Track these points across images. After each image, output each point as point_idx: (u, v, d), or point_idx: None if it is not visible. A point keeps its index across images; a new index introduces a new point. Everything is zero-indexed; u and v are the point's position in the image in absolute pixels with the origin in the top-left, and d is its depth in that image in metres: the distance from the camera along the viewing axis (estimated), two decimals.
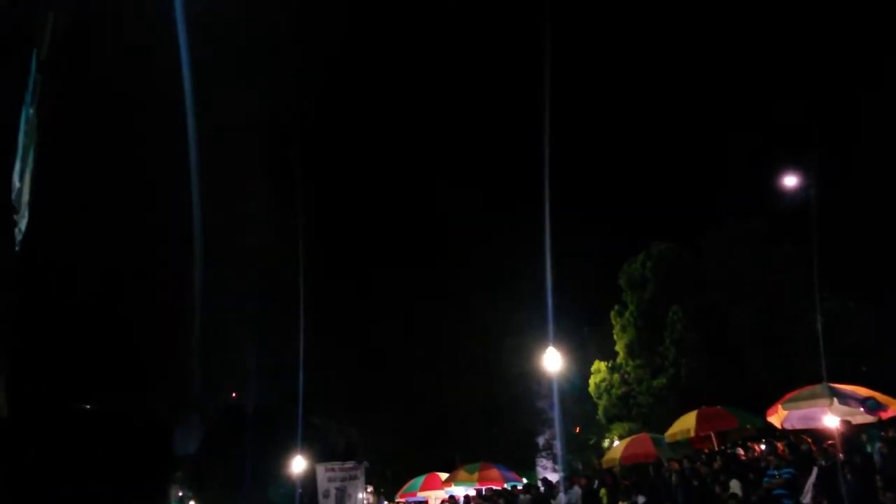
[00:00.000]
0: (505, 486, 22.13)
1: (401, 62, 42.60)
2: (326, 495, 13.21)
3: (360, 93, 41.53)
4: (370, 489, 35.27)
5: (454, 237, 38.32)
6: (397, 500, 27.13)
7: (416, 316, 37.33)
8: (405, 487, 26.95)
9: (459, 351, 35.99)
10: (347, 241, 40.94)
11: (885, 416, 13.93)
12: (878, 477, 11.33)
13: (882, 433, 13.25)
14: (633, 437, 20.51)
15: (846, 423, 13.62)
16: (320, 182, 39.27)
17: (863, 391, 14.39)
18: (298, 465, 29.33)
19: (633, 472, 17.65)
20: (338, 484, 13.43)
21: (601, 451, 26.28)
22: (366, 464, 14.27)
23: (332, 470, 13.83)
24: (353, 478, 13.67)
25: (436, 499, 24.76)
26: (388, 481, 34.55)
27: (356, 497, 13.65)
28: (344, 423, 40.09)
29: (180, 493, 61.57)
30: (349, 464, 14.25)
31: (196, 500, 52.86)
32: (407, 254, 39.45)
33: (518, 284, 31.79)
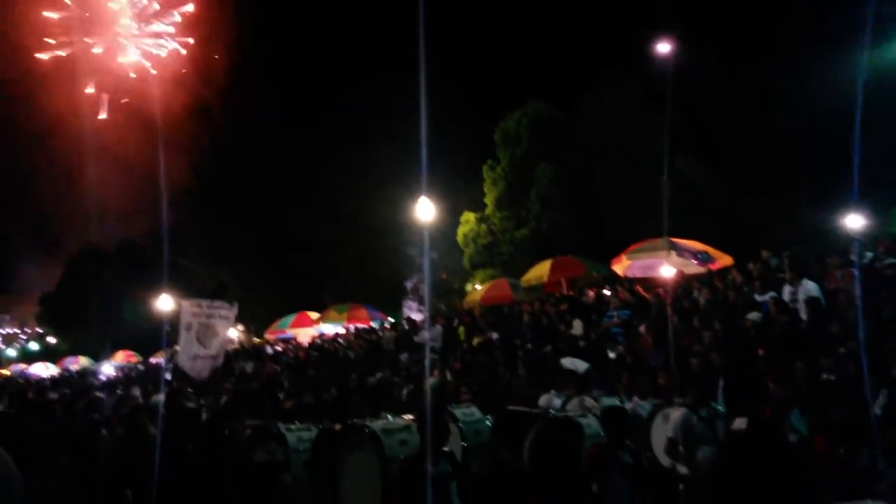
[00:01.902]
0: (372, 324, 23.23)
1: None
2: (188, 328, 13.06)
3: None
4: (241, 328, 35.79)
5: (334, 87, 37.07)
6: (266, 337, 27.85)
7: (293, 163, 36.64)
8: (275, 325, 27.62)
9: (334, 199, 35.99)
10: (230, 86, 38.80)
11: (713, 267, 15.58)
12: (697, 319, 12.84)
13: (708, 282, 14.96)
14: (493, 281, 21.88)
15: (680, 273, 15.20)
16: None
17: (698, 245, 15.91)
18: (165, 303, 29.14)
19: (491, 313, 18.98)
20: (202, 320, 13.24)
21: (464, 295, 27.86)
22: (236, 305, 14.19)
23: (199, 306, 13.55)
24: (222, 317, 13.48)
25: (305, 336, 25.63)
26: (257, 320, 35.19)
27: (223, 335, 13.57)
28: (214, 265, 39.84)
29: (39, 330, 59.95)
30: (218, 303, 13.97)
31: (56, 336, 51.72)
32: (285, 101, 37.98)
33: (395, 136, 31.72)
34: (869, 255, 12.72)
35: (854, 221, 13.71)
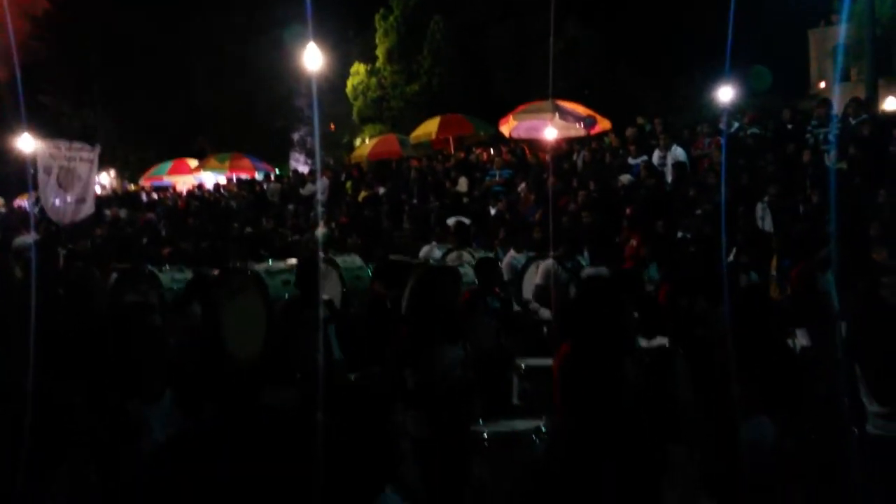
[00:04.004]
0: (256, 175, 22.64)
1: None
2: (48, 171, 12.32)
3: None
4: (113, 173, 33.92)
5: None
6: (142, 185, 26.57)
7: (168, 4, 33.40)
8: (151, 171, 26.33)
9: (216, 40, 33.53)
10: None
11: (594, 131, 16.08)
12: (575, 179, 13.42)
13: (587, 145, 15.52)
14: (382, 136, 21.65)
15: (562, 135, 15.63)
16: None
17: (582, 110, 16.25)
18: (26, 143, 27.02)
19: (378, 167, 18.94)
20: (62, 163, 12.51)
21: (352, 149, 27.49)
22: (98, 147, 13.38)
23: (58, 148, 12.75)
24: (83, 159, 12.76)
25: (184, 184, 24.67)
26: (131, 166, 33.36)
27: (88, 179, 12.89)
28: (81, 106, 36.79)
29: None
30: (78, 144, 13.15)
31: None
32: None
33: None
34: (736, 124, 13.47)
35: (725, 94, 14.42)
